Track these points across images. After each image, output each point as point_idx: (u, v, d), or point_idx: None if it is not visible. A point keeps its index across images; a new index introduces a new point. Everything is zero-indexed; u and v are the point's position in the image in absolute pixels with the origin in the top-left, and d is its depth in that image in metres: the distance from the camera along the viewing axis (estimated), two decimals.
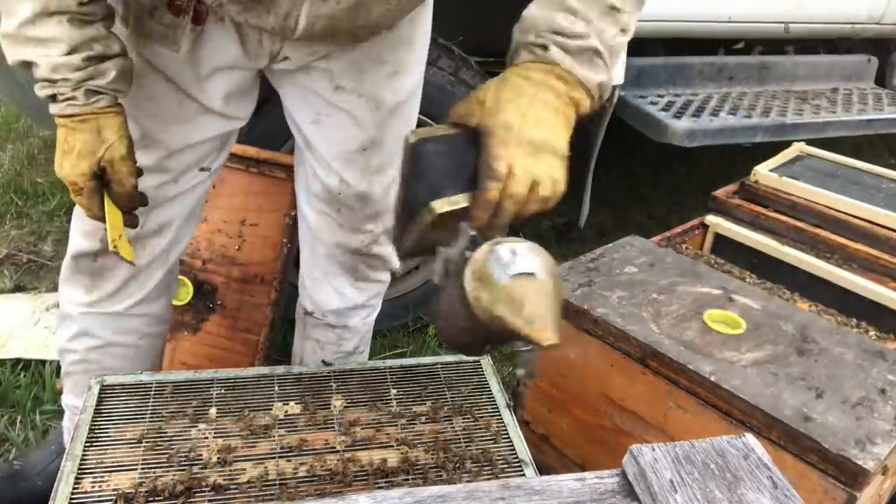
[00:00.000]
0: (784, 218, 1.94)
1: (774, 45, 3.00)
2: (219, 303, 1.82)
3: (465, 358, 1.27)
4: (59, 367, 1.50)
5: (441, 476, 1.04)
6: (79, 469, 0.99)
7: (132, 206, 1.09)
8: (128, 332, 1.34)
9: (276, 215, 1.79)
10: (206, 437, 1.06)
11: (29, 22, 0.93)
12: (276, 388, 1.17)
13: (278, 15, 1.02)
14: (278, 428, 1.09)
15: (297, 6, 1.00)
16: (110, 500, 0.95)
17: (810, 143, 2.34)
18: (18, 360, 2.03)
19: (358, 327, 1.53)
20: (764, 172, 2.06)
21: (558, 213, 3.06)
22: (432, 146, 0.90)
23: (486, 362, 1.27)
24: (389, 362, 1.25)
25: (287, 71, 1.21)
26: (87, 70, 0.97)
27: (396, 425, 1.12)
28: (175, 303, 1.69)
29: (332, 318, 1.49)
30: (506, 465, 1.08)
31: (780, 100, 2.83)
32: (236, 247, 1.81)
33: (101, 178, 1.04)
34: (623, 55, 2.20)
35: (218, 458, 1.02)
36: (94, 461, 1.00)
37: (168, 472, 1.00)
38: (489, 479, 1.04)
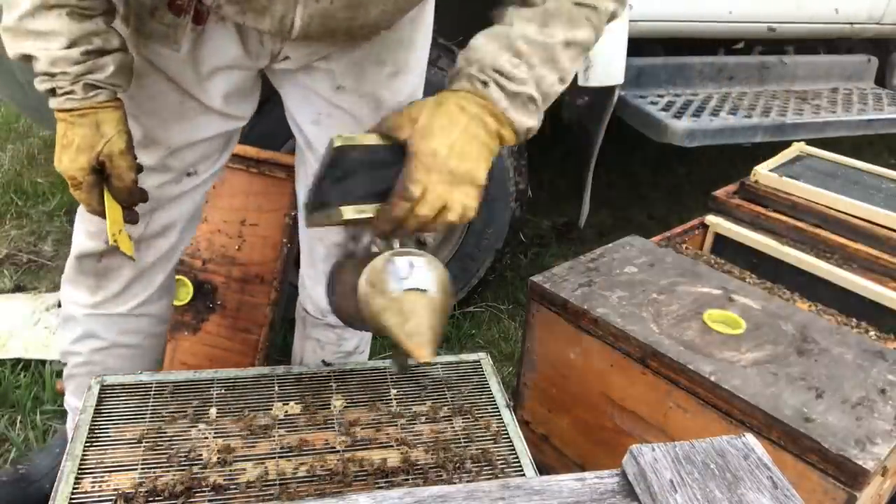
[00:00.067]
0: (784, 218, 1.94)
1: (774, 45, 3.00)
2: (219, 303, 1.82)
3: (465, 358, 1.27)
4: (59, 367, 1.49)
5: (441, 476, 1.04)
6: (79, 469, 0.99)
7: (132, 200, 1.09)
8: (132, 332, 1.34)
9: (276, 215, 1.79)
10: (206, 437, 1.06)
11: (29, 15, 0.94)
12: (276, 388, 1.17)
13: (274, 17, 1.02)
14: (278, 428, 1.09)
15: (290, 8, 1.01)
16: (110, 500, 0.95)
17: (810, 143, 2.34)
18: (18, 360, 2.03)
19: None
20: (764, 172, 2.06)
21: (558, 213, 3.08)
22: (356, 154, 0.94)
23: (486, 362, 1.27)
24: (389, 362, 1.25)
25: (288, 71, 1.21)
26: (85, 64, 0.97)
27: (396, 425, 1.12)
28: (175, 303, 1.69)
29: (332, 317, 1.48)
30: (506, 465, 1.08)
31: (780, 100, 2.83)
32: (236, 247, 1.81)
33: (100, 173, 1.04)
34: (622, 56, 2.21)
35: (218, 458, 1.02)
36: (94, 461, 1.00)
37: (168, 472, 1.00)
38: (489, 479, 1.04)
